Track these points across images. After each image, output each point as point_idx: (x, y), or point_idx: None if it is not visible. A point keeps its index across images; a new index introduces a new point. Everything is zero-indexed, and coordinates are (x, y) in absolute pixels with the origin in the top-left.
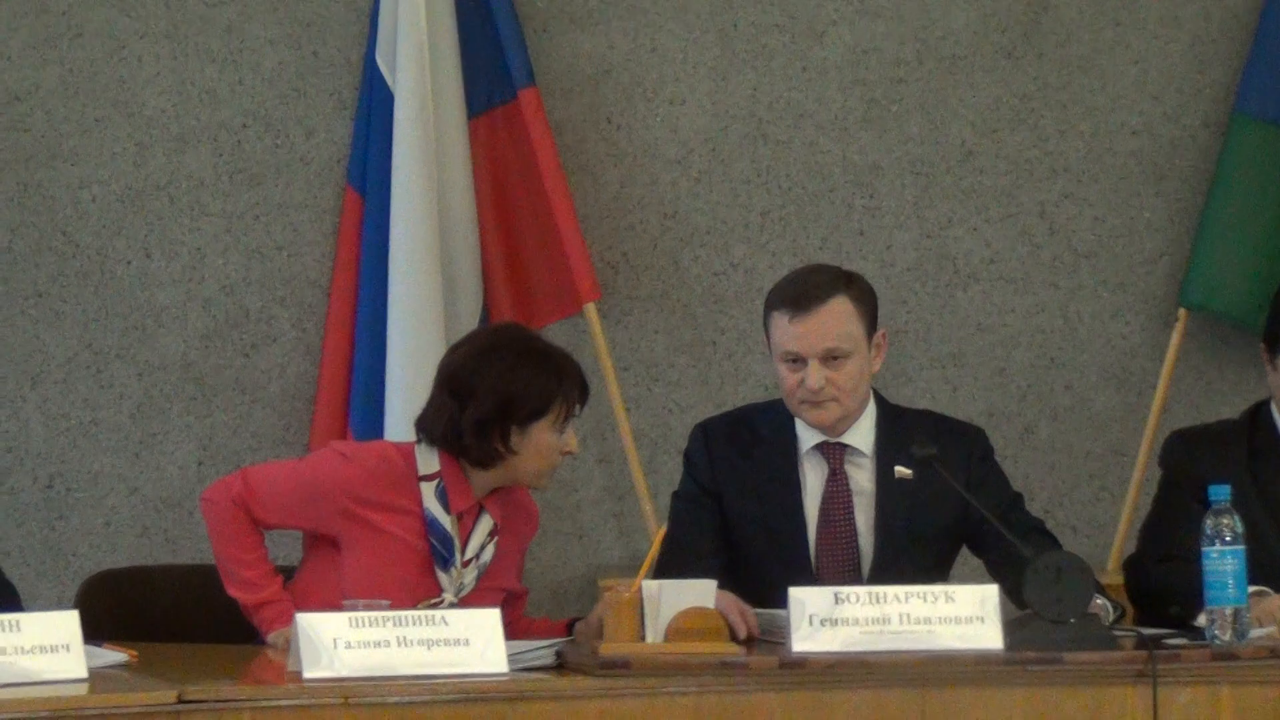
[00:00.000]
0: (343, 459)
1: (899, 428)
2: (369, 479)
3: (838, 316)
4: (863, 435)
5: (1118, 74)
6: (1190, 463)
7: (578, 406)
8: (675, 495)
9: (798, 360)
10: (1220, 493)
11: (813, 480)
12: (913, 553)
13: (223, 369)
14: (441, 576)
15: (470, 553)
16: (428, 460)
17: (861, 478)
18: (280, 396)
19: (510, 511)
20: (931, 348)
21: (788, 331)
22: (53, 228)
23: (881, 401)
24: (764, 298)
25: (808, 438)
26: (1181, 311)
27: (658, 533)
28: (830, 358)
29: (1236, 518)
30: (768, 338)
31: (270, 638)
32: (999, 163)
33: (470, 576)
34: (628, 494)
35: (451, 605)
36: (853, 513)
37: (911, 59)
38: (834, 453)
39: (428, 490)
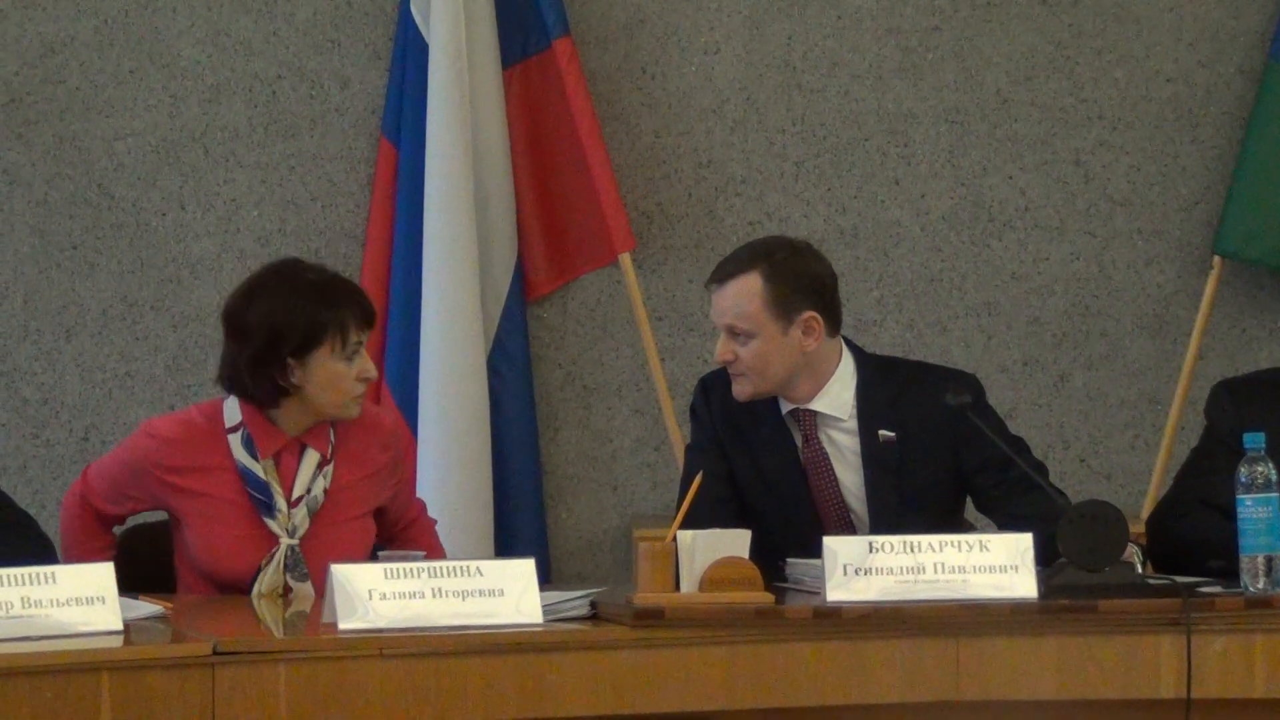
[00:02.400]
0: (146, 436)
1: (884, 387)
2: (172, 448)
3: (738, 295)
4: (834, 400)
5: (1152, 21)
6: (1235, 414)
7: (356, 332)
8: (688, 449)
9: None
10: (1255, 440)
11: (799, 441)
12: (907, 514)
13: None
14: (269, 523)
15: (298, 491)
16: (232, 412)
17: (843, 440)
18: None
19: (348, 435)
20: (966, 296)
21: (711, 300)
22: (88, 180)
23: (864, 361)
24: None
25: (782, 404)
26: (1216, 259)
27: (693, 483)
28: (733, 333)
29: (1271, 465)
30: None
31: None
32: (1034, 110)
33: (300, 516)
34: (662, 444)
35: (291, 548)
36: (835, 478)
37: (946, 6)
38: (806, 419)
39: (235, 441)
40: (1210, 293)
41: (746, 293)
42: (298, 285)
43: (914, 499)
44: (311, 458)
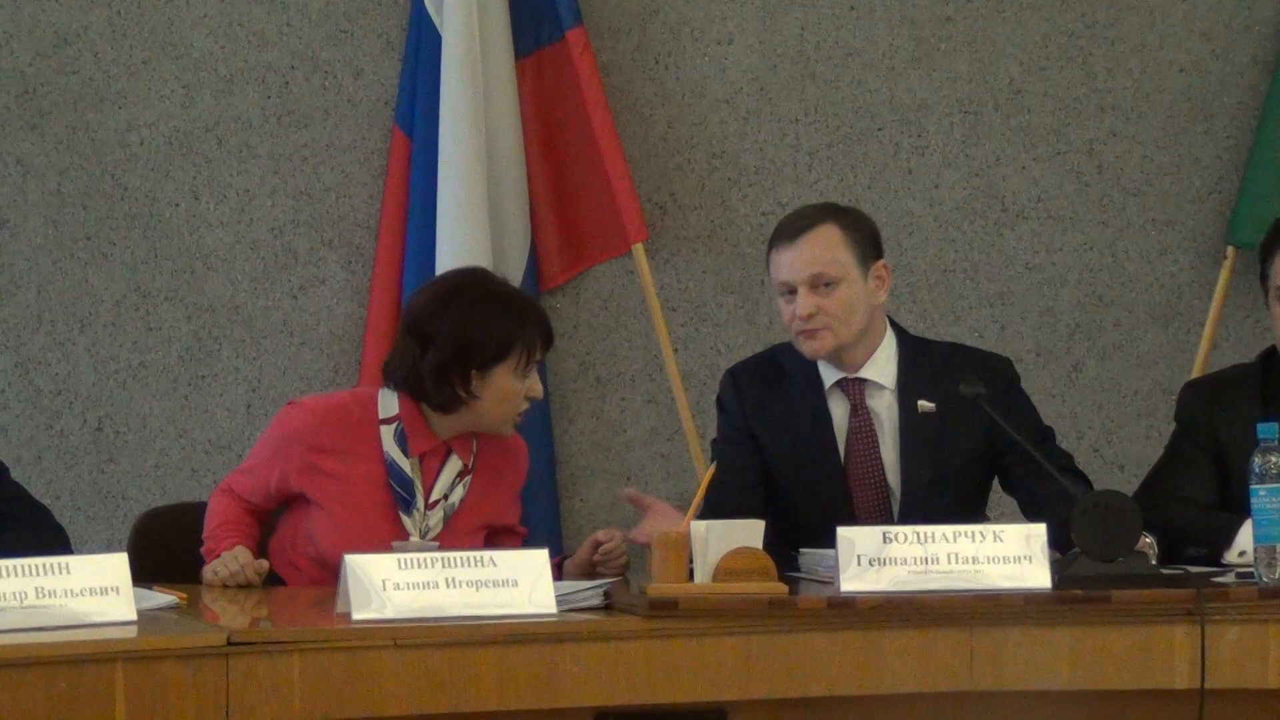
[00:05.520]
0: (299, 410)
1: (923, 362)
2: (324, 425)
3: (822, 243)
4: (880, 368)
5: (1166, 11)
6: (1204, 414)
7: (540, 352)
8: (714, 443)
9: (792, 291)
10: (1268, 430)
11: (838, 417)
12: (940, 486)
13: (271, 311)
14: (405, 520)
15: (437, 494)
16: (388, 404)
17: (884, 412)
18: (328, 338)
19: (489, 451)
20: (979, 286)
21: (778, 262)
22: (101, 171)
23: (903, 335)
24: None
25: (828, 375)
26: (1230, 249)
27: (706, 473)
28: (818, 284)
29: None
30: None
31: (205, 572)
32: (1047, 101)
33: (436, 518)
34: (675, 434)
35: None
36: (878, 447)
37: None
38: (854, 388)
39: (387, 433)
40: (1223, 283)
41: (829, 240)
42: (490, 299)
43: (947, 473)
44: (454, 465)
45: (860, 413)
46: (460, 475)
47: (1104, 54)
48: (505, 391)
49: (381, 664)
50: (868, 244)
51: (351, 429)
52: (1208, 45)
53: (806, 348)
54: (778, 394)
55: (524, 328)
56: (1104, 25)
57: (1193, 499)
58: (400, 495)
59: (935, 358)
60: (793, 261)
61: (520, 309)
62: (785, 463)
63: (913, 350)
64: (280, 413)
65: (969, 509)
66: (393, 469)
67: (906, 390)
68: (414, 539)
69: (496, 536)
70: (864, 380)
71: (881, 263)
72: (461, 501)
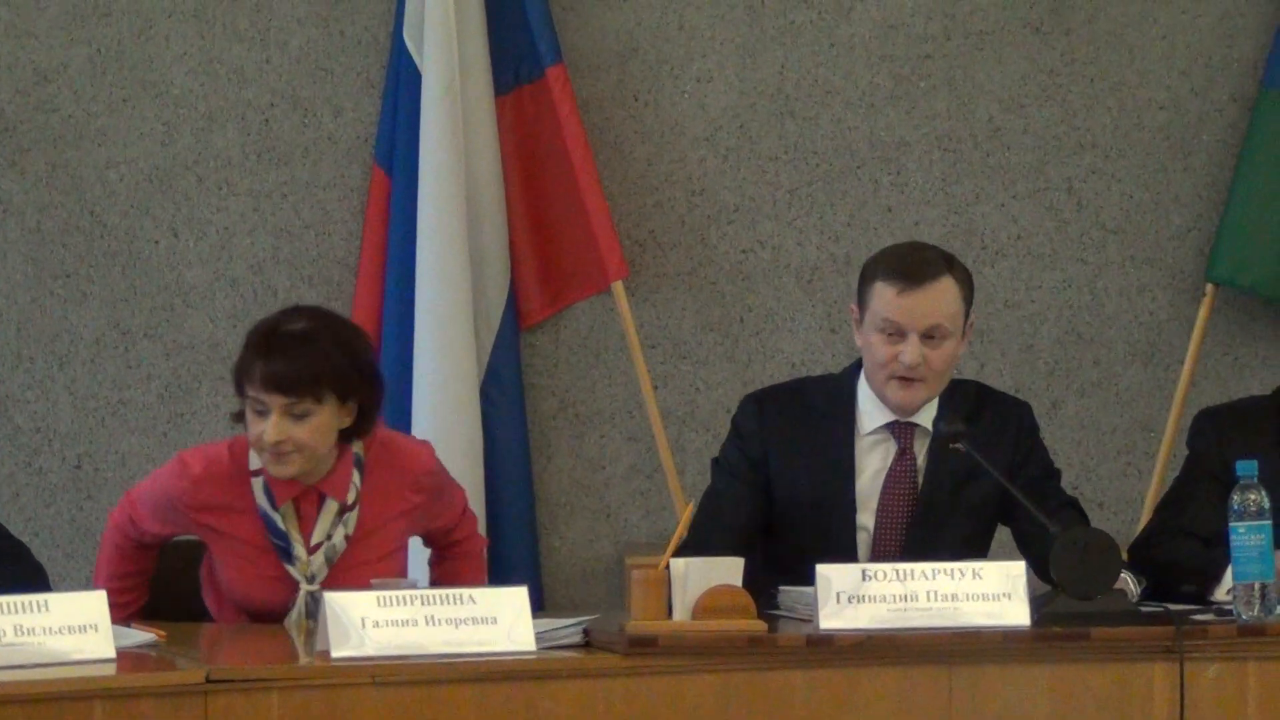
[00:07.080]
0: (176, 476)
1: (950, 398)
2: (198, 487)
3: (944, 295)
4: (928, 413)
5: (1145, 49)
6: (1217, 443)
7: (254, 390)
8: (716, 462)
9: (897, 332)
10: (1247, 468)
11: (875, 459)
12: (954, 521)
13: None
14: (290, 569)
15: (318, 537)
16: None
17: (920, 453)
18: None
19: (379, 479)
20: None
21: (893, 303)
22: (80, 208)
23: None
24: (863, 269)
25: (878, 416)
26: (1209, 286)
27: (685, 510)
28: (930, 336)
29: (1264, 493)
30: (862, 306)
31: None
32: (1026, 139)
33: (319, 563)
34: (655, 472)
35: (310, 595)
36: (917, 491)
37: (939, 35)
38: (905, 432)
39: (257, 486)
40: (1203, 320)
41: (949, 293)
42: (258, 330)
43: (965, 508)
44: (330, 507)
45: (907, 456)
46: (341, 514)
47: (1083, 92)
48: (248, 420)
49: (360, 702)
50: (970, 299)
51: (223, 485)
52: (1187, 83)
53: (899, 396)
54: (801, 432)
55: (252, 361)
56: (1083, 63)
57: (1196, 532)
58: (279, 546)
59: (966, 398)
60: (912, 308)
61: (264, 344)
62: (794, 500)
63: (948, 388)
64: (166, 469)
65: (976, 543)
66: (267, 521)
67: (938, 427)
68: (303, 587)
69: (435, 548)
70: (914, 425)
71: (972, 318)
72: (349, 539)
